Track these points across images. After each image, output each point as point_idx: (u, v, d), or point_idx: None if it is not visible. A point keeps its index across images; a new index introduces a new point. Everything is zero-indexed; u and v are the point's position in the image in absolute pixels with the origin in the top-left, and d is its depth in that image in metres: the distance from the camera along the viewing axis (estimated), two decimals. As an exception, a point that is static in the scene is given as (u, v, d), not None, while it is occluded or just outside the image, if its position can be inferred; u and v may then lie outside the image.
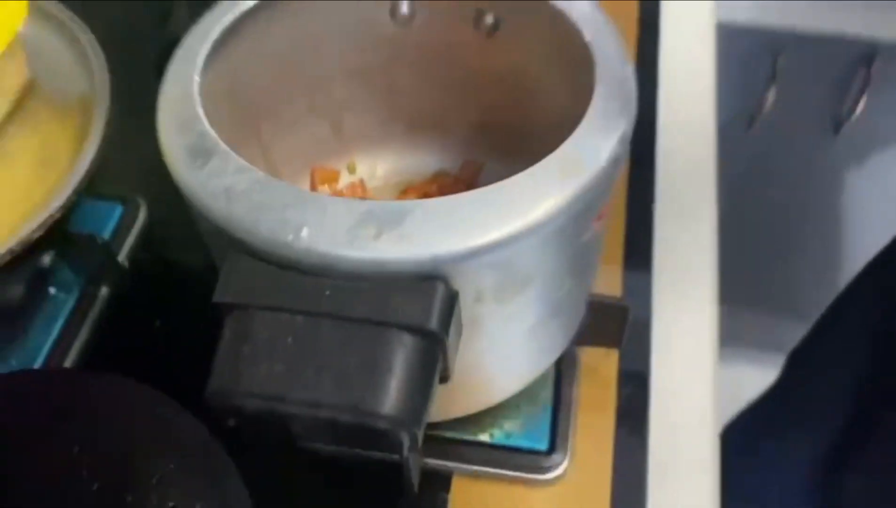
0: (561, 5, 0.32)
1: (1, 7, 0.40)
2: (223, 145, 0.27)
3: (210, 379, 0.24)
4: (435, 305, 0.25)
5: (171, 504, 0.28)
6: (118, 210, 0.52)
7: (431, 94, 0.41)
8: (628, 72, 0.30)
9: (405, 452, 0.25)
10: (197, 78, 0.29)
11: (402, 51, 0.39)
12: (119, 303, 0.49)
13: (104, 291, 0.48)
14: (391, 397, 0.24)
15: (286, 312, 0.25)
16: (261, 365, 0.24)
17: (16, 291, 0.47)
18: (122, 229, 0.51)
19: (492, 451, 0.42)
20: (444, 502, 0.41)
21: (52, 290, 0.49)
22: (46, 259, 0.48)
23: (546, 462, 0.41)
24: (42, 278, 0.48)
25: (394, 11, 0.38)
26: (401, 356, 0.24)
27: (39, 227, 0.36)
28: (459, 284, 0.26)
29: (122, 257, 0.50)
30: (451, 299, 0.25)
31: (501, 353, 0.32)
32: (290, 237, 0.25)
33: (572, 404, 0.43)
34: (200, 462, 0.29)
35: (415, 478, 0.27)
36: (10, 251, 0.35)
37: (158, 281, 0.51)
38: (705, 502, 0.43)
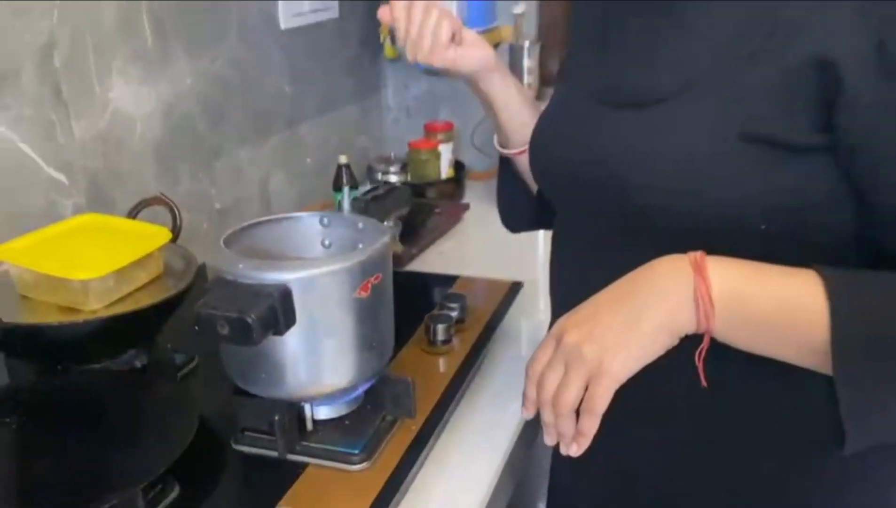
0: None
1: (158, 233, 0.92)
2: (226, 250, 0.74)
3: (195, 306, 0.68)
4: (279, 290, 0.68)
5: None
6: (182, 357, 0.97)
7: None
8: (385, 239, 0.76)
9: (254, 337, 0.66)
10: (222, 243, 0.77)
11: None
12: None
13: (162, 382, 0.91)
14: (254, 313, 0.66)
15: (225, 286, 0.69)
16: (212, 300, 0.68)
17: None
18: (184, 363, 0.95)
19: (330, 451, 0.78)
20: (297, 475, 0.77)
21: (136, 379, 0.92)
22: (138, 363, 0.93)
23: (355, 460, 0.77)
24: (135, 372, 0.92)
25: (323, 242, 0.87)
26: (263, 304, 0.67)
27: (175, 294, 0.82)
28: (294, 290, 0.69)
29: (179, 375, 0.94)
30: (288, 293, 0.69)
31: (321, 347, 0.73)
32: (235, 268, 0.70)
33: (386, 435, 0.80)
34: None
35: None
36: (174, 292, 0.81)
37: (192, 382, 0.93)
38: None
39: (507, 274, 1.21)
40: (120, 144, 1.14)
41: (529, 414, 0.64)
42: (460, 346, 1.00)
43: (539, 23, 1.73)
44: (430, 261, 1.39)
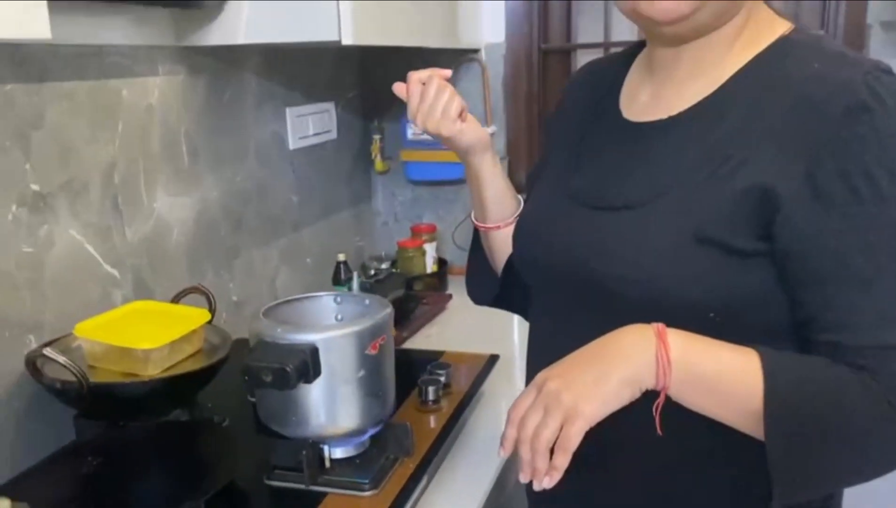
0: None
1: (200, 314, 1.14)
2: (265, 319, 0.96)
3: (244, 362, 0.89)
4: (309, 347, 0.90)
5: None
6: (217, 417, 1.16)
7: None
8: (388, 310, 0.98)
9: (291, 383, 0.87)
10: (262, 315, 0.99)
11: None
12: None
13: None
14: (291, 364, 0.87)
15: (266, 346, 0.90)
16: (257, 356, 0.89)
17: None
18: (219, 422, 1.15)
19: (345, 482, 0.97)
20: (318, 503, 0.95)
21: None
22: (183, 419, 1.12)
23: (365, 489, 0.96)
24: (183, 425, 1.11)
25: (336, 316, 1.08)
26: (297, 358, 0.89)
27: (216, 362, 1.02)
28: (320, 347, 0.91)
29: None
30: (316, 350, 0.90)
31: (338, 394, 0.93)
32: (274, 332, 0.92)
33: (389, 470, 0.99)
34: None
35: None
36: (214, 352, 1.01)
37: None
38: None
39: (485, 349, 1.43)
40: (160, 245, 1.36)
41: (506, 453, 0.75)
42: (447, 406, 1.20)
43: (507, 141, 2.01)
44: (419, 343, 1.61)
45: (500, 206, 1.00)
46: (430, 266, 1.95)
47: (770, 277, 0.73)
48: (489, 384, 1.31)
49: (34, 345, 1.10)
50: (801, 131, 0.71)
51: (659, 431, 0.72)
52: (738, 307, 0.73)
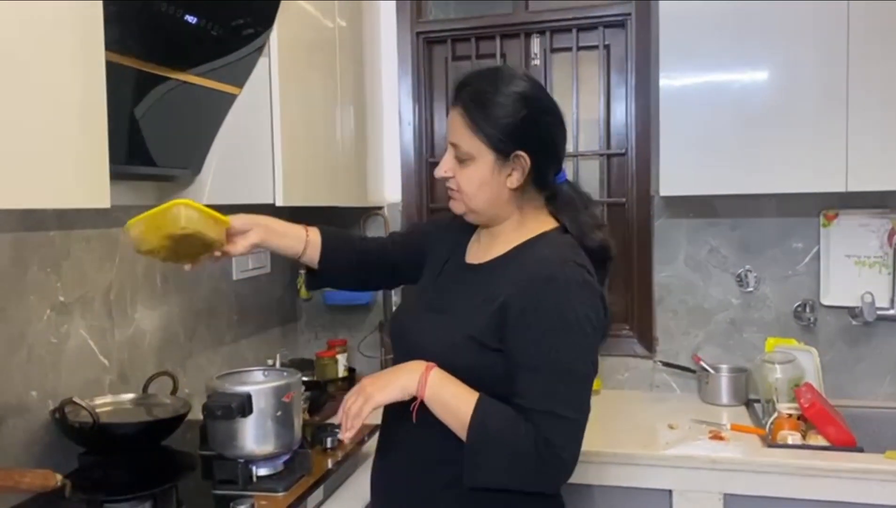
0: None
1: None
2: (216, 380, 1.50)
3: (205, 402, 1.42)
4: (245, 395, 1.44)
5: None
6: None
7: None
8: (298, 376, 1.53)
9: (233, 416, 1.40)
10: (215, 378, 1.53)
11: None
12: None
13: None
14: (234, 404, 1.41)
15: (218, 395, 1.44)
16: (212, 399, 1.42)
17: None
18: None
19: (265, 487, 1.48)
20: (247, 500, 1.46)
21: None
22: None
23: (279, 491, 1.48)
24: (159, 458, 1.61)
25: (264, 386, 1.62)
26: (237, 401, 1.42)
27: (179, 415, 1.54)
28: (252, 395, 1.45)
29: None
30: (250, 396, 1.45)
31: (264, 426, 1.46)
32: (223, 386, 1.46)
33: (296, 483, 1.51)
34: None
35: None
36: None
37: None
38: None
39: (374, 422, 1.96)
40: (137, 345, 1.89)
41: (338, 419, 1.25)
42: (341, 452, 1.72)
43: (403, 274, 2.63)
44: (328, 423, 2.13)
45: (294, 254, 1.56)
46: (342, 372, 2.49)
47: (505, 362, 1.22)
48: (373, 441, 1.83)
49: (51, 406, 1.59)
50: (526, 286, 1.22)
51: (414, 419, 1.22)
52: (486, 379, 1.23)
